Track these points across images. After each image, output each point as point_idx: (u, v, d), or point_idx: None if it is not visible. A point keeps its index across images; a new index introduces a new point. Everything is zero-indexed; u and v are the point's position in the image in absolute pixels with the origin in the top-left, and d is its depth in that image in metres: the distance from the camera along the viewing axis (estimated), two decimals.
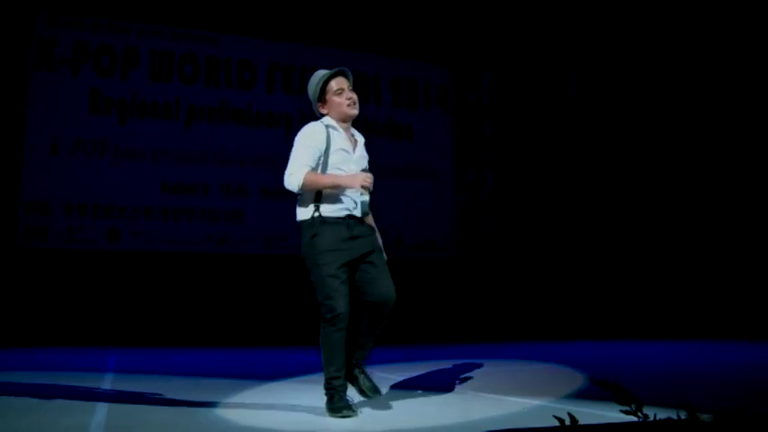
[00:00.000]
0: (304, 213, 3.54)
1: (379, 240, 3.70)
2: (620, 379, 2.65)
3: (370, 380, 3.72)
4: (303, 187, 3.44)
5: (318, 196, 3.50)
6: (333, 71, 3.64)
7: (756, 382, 4.82)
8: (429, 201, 9.63)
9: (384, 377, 4.86)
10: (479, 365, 5.68)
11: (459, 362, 6.01)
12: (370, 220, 3.70)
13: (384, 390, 4.04)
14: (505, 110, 10.07)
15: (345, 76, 3.65)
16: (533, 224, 9.91)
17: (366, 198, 3.53)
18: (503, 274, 9.65)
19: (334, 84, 3.61)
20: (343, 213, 3.52)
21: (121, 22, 8.44)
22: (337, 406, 3.42)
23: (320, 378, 3.56)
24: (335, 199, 3.51)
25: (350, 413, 3.39)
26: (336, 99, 3.60)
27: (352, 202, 3.54)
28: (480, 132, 9.99)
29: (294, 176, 3.44)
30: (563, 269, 9.84)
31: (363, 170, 3.62)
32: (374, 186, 3.56)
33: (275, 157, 8.82)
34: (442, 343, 8.19)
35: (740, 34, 8.89)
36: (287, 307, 8.36)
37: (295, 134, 3.59)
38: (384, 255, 3.65)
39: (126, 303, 7.95)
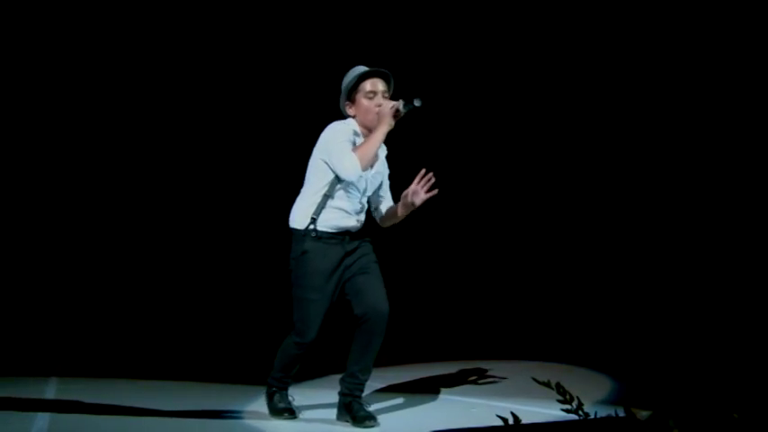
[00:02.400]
0: (298, 221, 3.23)
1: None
2: (564, 378, 2.71)
3: (364, 409, 3.28)
4: (362, 165, 3.11)
5: (318, 206, 3.18)
6: (371, 69, 3.27)
7: (694, 380, 4.97)
8: None
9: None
10: (427, 365, 5.72)
11: (407, 363, 6.04)
12: None
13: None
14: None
15: (385, 79, 3.27)
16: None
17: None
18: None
19: (369, 84, 3.23)
20: (342, 229, 3.22)
21: None
22: (278, 407, 3.41)
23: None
24: (337, 211, 3.20)
25: (291, 416, 3.38)
26: (365, 103, 3.22)
27: (354, 218, 3.26)
28: None
29: (348, 166, 3.10)
30: (514, 279, 9.78)
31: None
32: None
33: None
34: (397, 344, 8.17)
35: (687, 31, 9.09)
36: None
37: None
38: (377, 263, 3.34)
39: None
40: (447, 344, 8.11)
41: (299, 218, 3.24)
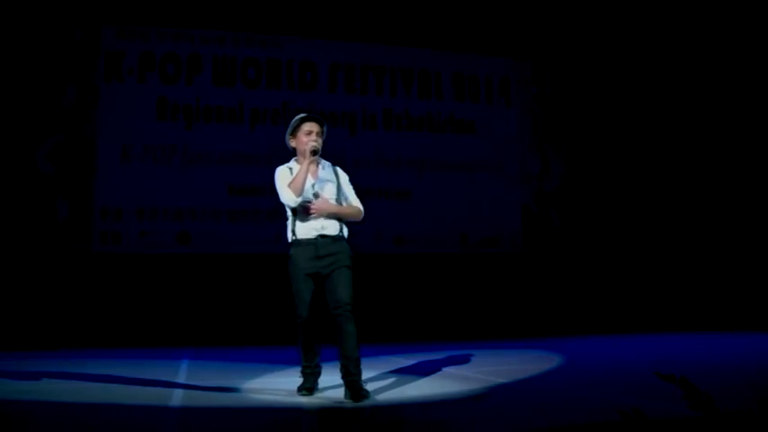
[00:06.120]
0: (287, 235, 4.29)
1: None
2: (685, 372, 2.58)
3: (361, 387, 4.00)
4: (295, 194, 4.10)
5: (294, 222, 4.22)
6: (310, 115, 4.32)
7: None
8: (495, 195, 9.55)
9: (454, 371, 4.85)
10: (543, 359, 5.62)
11: (526, 355, 5.96)
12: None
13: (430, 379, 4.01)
14: (570, 102, 9.90)
15: (319, 123, 4.28)
16: (601, 216, 9.71)
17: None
18: (571, 268, 9.49)
19: (308, 126, 4.25)
20: (314, 234, 4.18)
21: (184, 29, 8.66)
22: (300, 386, 4.25)
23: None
24: (306, 223, 4.19)
25: (304, 393, 4.18)
26: (304, 138, 4.23)
27: (319, 223, 4.18)
28: (545, 125, 9.85)
29: (285, 197, 4.15)
30: (631, 262, 9.61)
31: (315, 194, 4.20)
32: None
33: (339, 157, 8.91)
34: (510, 338, 8.12)
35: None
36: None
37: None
38: (348, 267, 4.16)
39: (198, 304, 8.15)
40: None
41: (287, 233, 4.31)
